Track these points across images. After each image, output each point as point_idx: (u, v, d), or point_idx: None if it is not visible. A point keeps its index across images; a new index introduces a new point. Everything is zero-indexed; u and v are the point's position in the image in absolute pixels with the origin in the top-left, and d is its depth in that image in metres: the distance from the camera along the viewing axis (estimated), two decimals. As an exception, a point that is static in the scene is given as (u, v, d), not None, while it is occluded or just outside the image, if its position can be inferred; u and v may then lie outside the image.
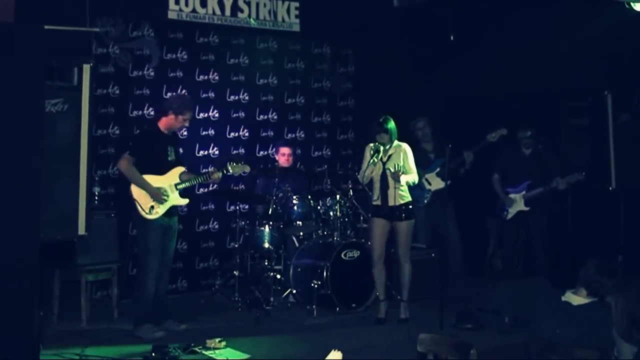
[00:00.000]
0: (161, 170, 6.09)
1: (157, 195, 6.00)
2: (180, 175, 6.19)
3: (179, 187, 6.14)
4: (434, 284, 7.13)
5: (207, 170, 6.31)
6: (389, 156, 6.45)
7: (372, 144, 6.52)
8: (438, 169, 7.59)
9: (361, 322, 6.55)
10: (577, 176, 7.22)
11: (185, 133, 7.68)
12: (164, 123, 6.17)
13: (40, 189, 4.50)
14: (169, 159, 6.15)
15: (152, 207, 5.99)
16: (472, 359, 3.28)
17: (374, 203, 6.55)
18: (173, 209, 6.16)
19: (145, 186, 5.99)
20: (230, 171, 6.36)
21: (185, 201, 6.29)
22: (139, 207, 5.98)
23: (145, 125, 6.99)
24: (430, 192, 7.64)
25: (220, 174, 6.28)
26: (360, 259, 6.97)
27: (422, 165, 7.61)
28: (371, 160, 6.38)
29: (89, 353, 5.50)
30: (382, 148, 6.42)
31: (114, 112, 7.38)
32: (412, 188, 7.56)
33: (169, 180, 6.11)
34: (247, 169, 6.56)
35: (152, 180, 6.02)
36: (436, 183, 7.61)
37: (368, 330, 6.33)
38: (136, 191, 6.01)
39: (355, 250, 6.99)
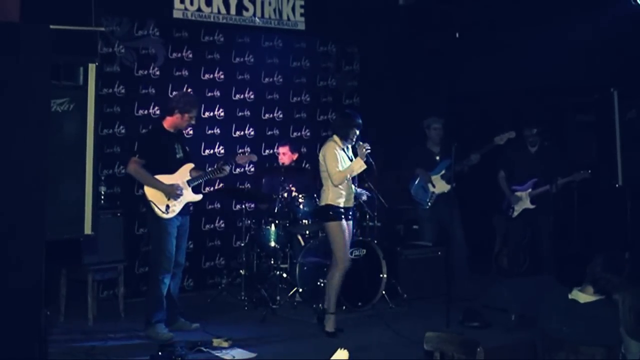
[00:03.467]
0: (171, 169, 6.05)
1: (172, 192, 5.96)
2: (191, 171, 6.17)
3: (192, 184, 6.12)
4: (440, 282, 7.13)
5: (216, 164, 6.29)
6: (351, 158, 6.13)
7: (338, 141, 6.04)
8: (443, 171, 7.45)
9: (367, 321, 6.55)
10: (583, 174, 7.20)
11: (190, 132, 7.68)
12: (169, 122, 6.14)
13: (47, 188, 4.51)
14: (178, 157, 6.12)
15: (168, 206, 5.95)
16: (479, 357, 3.28)
17: (345, 205, 6.07)
18: (185, 207, 6.11)
19: (157, 185, 5.93)
20: (239, 162, 6.42)
21: (199, 197, 6.25)
22: (155, 208, 5.91)
23: (151, 125, 6.97)
24: (434, 195, 7.51)
25: (228, 167, 6.28)
26: (366, 258, 6.94)
27: (428, 167, 7.57)
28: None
29: (96, 352, 5.51)
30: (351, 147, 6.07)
31: (119, 112, 7.39)
32: (415, 190, 7.56)
33: (181, 178, 6.08)
34: (254, 157, 6.61)
35: (164, 179, 5.98)
36: (440, 186, 7.47)
37: (374, 328, 6.32)
38: (150, 192, 5.94)
39: (361, 248, 6.96)
